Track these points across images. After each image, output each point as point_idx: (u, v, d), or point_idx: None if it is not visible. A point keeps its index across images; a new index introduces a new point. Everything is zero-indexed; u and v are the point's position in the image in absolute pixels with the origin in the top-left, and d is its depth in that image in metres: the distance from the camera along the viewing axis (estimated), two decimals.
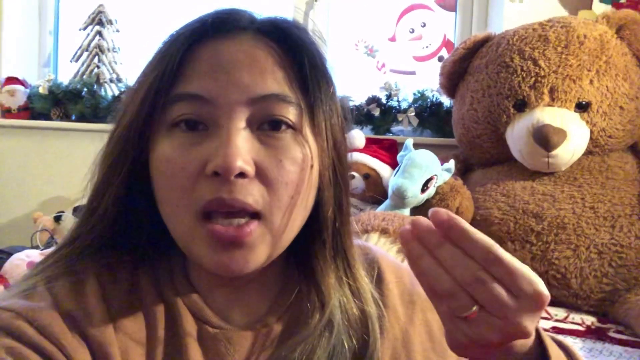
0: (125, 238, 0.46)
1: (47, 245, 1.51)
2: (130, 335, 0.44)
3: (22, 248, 1.39)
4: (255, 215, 0.41)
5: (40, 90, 1.93)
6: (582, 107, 1.32)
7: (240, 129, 0.41)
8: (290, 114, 0.43)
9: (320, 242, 0.48)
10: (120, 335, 0.43)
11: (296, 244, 0.48)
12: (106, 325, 0.43)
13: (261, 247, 0.42)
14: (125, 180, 0.44)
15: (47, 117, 1.96)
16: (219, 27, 0.44)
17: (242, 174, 0.40)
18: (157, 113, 0.42)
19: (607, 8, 1.58)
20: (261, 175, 0.41)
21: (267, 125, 0.43)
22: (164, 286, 0.47)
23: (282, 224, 0.43)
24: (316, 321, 0.46)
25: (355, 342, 0.47)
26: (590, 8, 1.62)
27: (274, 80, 0.43)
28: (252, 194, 0.41)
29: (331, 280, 0.48)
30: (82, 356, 0.41)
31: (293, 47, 0.45)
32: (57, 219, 1.63)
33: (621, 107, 1.33)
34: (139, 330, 0.45)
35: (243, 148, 0.40)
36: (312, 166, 0.44)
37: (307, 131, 0.44)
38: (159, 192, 0.43)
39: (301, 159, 0.43)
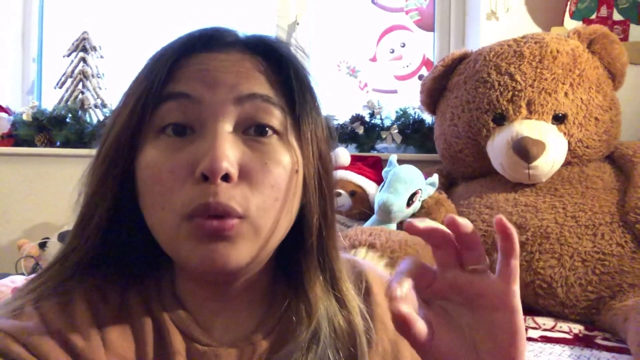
0: (114, 257, 0.47)
1: (32, 271, 1.49)
2: (120, 353, 0.44)
3: (7, 275, 1.37)
4: (238, 217, 0.42)
5: (24, 117, 1.93)
6: (558, 119, 1.35)
7: (227, 132, 0.42)
8: (275, 118, 0.44)
9: (306, 252, 0.48)
10: (109, 353, 0.43)
11: (283, 256, 0.49)
12: (96, 344, 0.43)
13: (244, 244, 0.42)
14: (116, 191, 0.44)
15: (31, 144, 1.95)
16: (207, 42, 0.46)
17: (227, 177, 0.40)
18: (146, 118, 0.43)
19: (577, 24, 1.64)
20: (246, 177, 0.42)
21: (252, 131, 0.44)
22: (152, 304, 0.47)
23: (267, 226, 0.43)
24: (303, 333, 0.46)
25: (342, 356, 0.47)
26: (562, 24, 1.68)
27: (258, 84, 0.44)
28: (235, 198, 0.41)
29: (317, 290, 0.48)
30: None
31: (279, 61, 0.47)
32: (42, 245, 1.61)
33: (596, 118, 1.37)
34: (128, 348, 0.45)
35: (229, 150, 0.41)
36: (297, 171, 0.45)
37: (292, 139, 0.46)
38: (145, 196, 0.43)
39: (286, 162, 0.44)
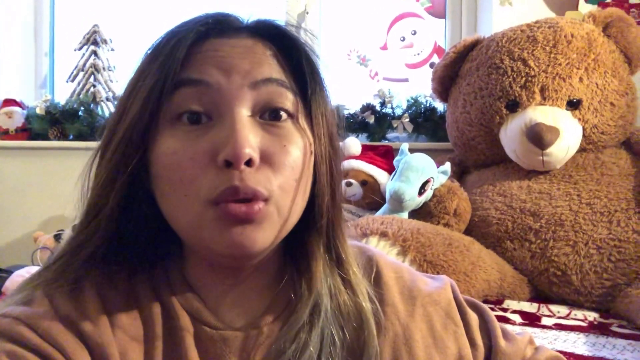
0: (123, 245, 0.47)
1: None
2: (129, 337, 0.45)
3: (23, 267, 1.39)
4: (264, 199, 0.42)
5: (38, 110, 1.95)
6: (573, 105, 1.33)
7: (245, 116, 0.43)
8: (288, 101, 0.45)
9: (314, 232, 0.49)
10: (118, 337, 0.44)
11: (292, 238, 0.49)
12: (104, 328, 0.43)
13: (269, 226, 0.43)
14: (128, 181, 0.44)
15: (45, 137, 1.97)
16: (219, 27, 0.46)
17: (249, 161, 0.41)
18: (162, 107, 0.43)
19: (593, 8, 1.61)
20: (268, 160, 0.43)
21: (267, 115, 0.44)
22: (160, 289, 0.48)
23: (288, 206, 0.44)
24: (304, 307, 0.47)
25: (348, 335, 0.47)
26: (576, 8, 1.65)
27: (271, 69, 0.45)
28: (261, 181, 0.42)
29: (320, 267, 0.49)
30: (82, 358, 0.41)
31: (288, 45, 0.47)
32: (57, 237, 1.63)
33: (612, 104, 1.35)
34: (137, 332, 0.45)
35: (250, 135, 0.42)
36: (311, 152, 0.46)
37: (303, 121, 0.46)
38: (164, 185, 0.43)
39: (302, 144, 0.45)
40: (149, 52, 0.46)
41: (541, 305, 1.17)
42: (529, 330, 1.01)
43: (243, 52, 0.44)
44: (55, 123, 1.96)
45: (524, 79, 1.35)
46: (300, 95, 0.46)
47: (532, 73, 1.34)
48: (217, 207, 0.41)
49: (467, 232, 1.34)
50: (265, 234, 0.43)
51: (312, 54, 0.48)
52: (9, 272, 1.35)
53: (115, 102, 1.91)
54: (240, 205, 0.41)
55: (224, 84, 0.43)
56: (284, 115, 0.45)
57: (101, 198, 0.44)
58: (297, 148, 0.44)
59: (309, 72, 0.47)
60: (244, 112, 0.43)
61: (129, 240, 0.47)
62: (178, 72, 0.43)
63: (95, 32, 1.99)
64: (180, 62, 0.43)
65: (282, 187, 0.43)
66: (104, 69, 2.00)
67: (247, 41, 0.46)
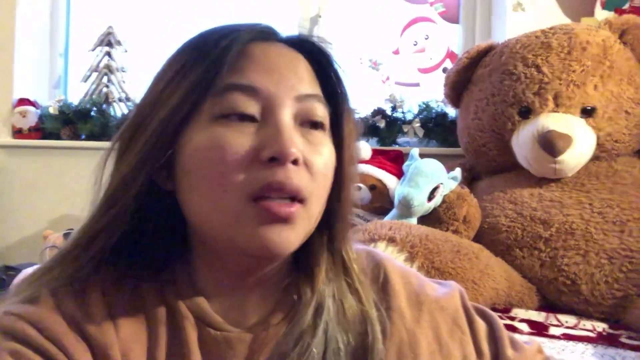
0: (133, 246, 0.47)
1: None
2: (132, 338, 0.45)
3: (33, 265, 1.41)
4: (299, 200, 0.43)
5: (51, 110, 1.97)
6: (587, 113, 1.31)
7: (289, 120, 0.44)
8: (323, 114, 0.47)
9: (319, 237, 0.49)
10: (121, 339, 0.44)
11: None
12: (108, 329, 0.44)
13: (301, 229, 0.44)
14: (149, 178, 0.44)
15: (57, 137, 1.99)
16: (266, 33, 0.48)
17: (295, 161, 0.42)
18: (202, 103, 0.44)
19: (609, 14, 1.59)
20: (307, 164, 0.44)
21: (306, 124, 0.46)
22: (166, 292, 0.48)
23: (316, 211, 0.46)
24: (308, 311, 0.47)
25: (352, 339, 0.47)
26: (592, 15, 1.63)
27: (312, 85, 0.47)
28: (302, 180, 0.43)
29: (323, 270, 0.49)
30: (84, 358, 0.41)
31: (323, 60, 0.49)
32: (67, 236, 1.65)
33: (627, 112, 1.33)
34: (141, 333, 0.46)
35: (295, 137, 0.43)
36: (335, 161, 0.48)
37: (330, 132, 0.49)
38: (199, 181, 0.43)
39: (331, 153, 0.47)
40: (190, 48, 0.46)
41: (549, 314, 1.15)
42: (537, 339, 1.00)
43: (289, 64, 0.47)
44: (68, 123, 1.98)
45: (537, 85, 1.34)
46: (330, 109, 0.49)
47: (546, 80, 1.33)
48: (257, 204, 0.42)
49: (476, 239, 1.33)
50: (298, 236, 0.44)
51: (341, 69, 0.50)
52: (17, 269, 1.37)
53: (127, 103, 1.93)
54: (281, 205, 0.42)
55: (272, 91, 0.44)
56: (319, 126, 0.47)
57: (122, 188, 0.43)
58: (329, 157, 0.46)
59: (339, 90, 0.49)
60: (288, 117, 0.44)
61: (138, 241, 0.47)
62: (227, 74, 0.43)
63: (109, 33, 2.01)
64: (230, 65, 0.44)
65: (315, 192, 0.44)
66: (117, 70, 2.02)
67: (290, 53, 0.48)
